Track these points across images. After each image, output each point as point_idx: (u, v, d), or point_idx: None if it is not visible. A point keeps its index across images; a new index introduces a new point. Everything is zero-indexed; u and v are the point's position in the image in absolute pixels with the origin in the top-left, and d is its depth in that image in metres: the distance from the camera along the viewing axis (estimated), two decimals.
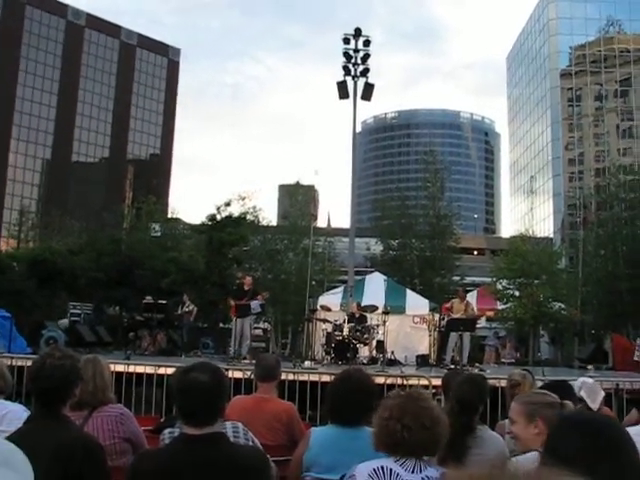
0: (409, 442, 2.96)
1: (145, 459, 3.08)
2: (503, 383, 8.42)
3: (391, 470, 2.92)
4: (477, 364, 19.35)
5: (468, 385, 4.42)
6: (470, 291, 29.99)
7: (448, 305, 18.20)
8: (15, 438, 3.10)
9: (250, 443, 3.93)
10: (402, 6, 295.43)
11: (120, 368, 10.97)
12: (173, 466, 2.85)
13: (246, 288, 16.73)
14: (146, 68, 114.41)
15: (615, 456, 2.07)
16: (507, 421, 4.81)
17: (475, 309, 17.95)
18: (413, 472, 2.92)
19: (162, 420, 5.55)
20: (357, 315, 17.64)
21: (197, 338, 23.85)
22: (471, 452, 3.99)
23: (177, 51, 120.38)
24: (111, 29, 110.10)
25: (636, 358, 18.61)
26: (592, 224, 34.61)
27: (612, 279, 30.89)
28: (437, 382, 9.74)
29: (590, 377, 9.48)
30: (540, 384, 5.79)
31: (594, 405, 5.43)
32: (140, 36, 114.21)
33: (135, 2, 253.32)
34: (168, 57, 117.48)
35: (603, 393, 5.95)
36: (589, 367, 17.62)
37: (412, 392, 3.22)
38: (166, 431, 4.05)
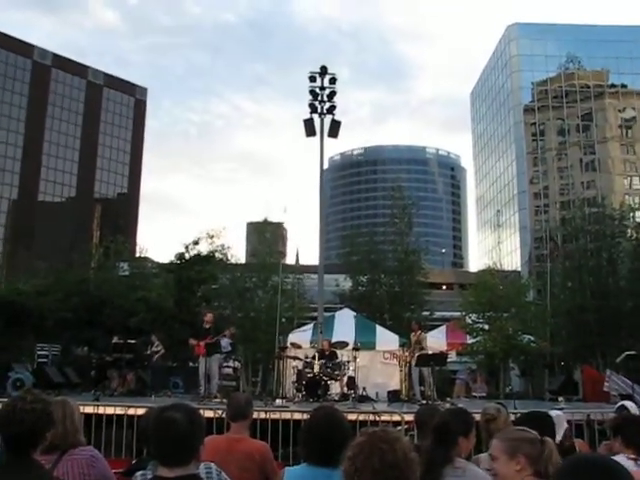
0: None
1: None
2: (476, 417, 8.46)
3: None
4: (448, 398, 19.38)
5: (450, 415, 4.43)
6: (439, 326, 30.13)
7: (405, 342, 18.32)
8: None
9: None
10: (368, 44, 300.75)
11: (89, 409, 10.82)
12: None
13: (207, 326, 16.57)
14: (113, 107, 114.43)
15: None
16: (485, 455, 4.83)
17: (426, 345, 17.96)
18: None
19: (133, 462, 5.47)
20: (327, 352, 17.60)
21: (167, 378, 23.59)
22: None
23: (144, 90, 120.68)
24: (77, 69, 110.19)
25: (606, 389, 18.76)
26: (559, 256, 34.99)
27: (580, 311, 31.15)
28: (409, 418, 9.73)
29: (561, 409, 9.56)
30: (514, 417, 5.82)
31: (558, 437, 5.45)
32: (107, 75, 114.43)
33: (101, 42, 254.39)
34: (135, 96, 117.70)
35: (567, 425, 6.01)
36: (560, 399, 17.73)
37: (378, 431, 3.20)
38: (138, 474, 3.99)
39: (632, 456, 4.53)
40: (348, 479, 3.07)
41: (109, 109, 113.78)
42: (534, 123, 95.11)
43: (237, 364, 27.02)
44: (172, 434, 2.90)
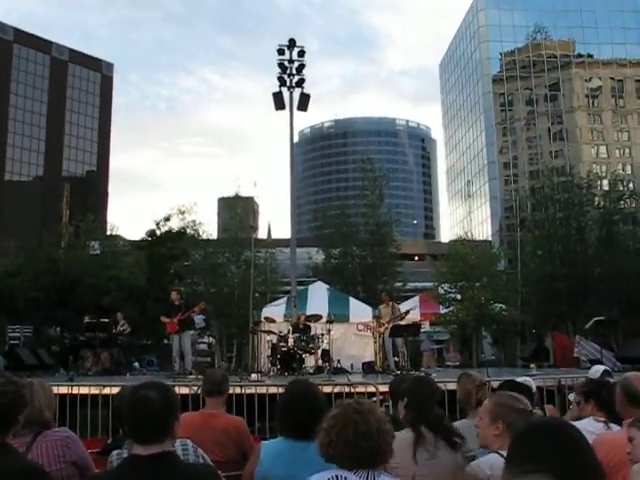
0: (354, 454, 2.99)
1: None
2: (450, 386, 8.55)
3: (345, 479, 2.94)
4: (422, 368, 19.56)
5: (418, 385, 4.49)
6: (412, 296, 30.31)
7: (375, 313, 18.37)
8: None
9: (200, 460, 3.90)
10: (337, 15, 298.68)
11: (63, 390, 10.75)
12: None
13: (177, 303, 16.47)
14: (79, 84, 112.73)
15: (576, 456, 2.17)
16: (460, 423, 4.89)
17: (401, 309, 18.05)
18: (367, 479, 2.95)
19: (109, 441, 5.46)
20: (301, 325, 17.66)
21: (141, 356, 23.58)
22: (422, 457, 4.02)
23: (110, 66, 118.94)
24: (41, 44, 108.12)
25: (576, 354, 19.02)
26: (528, 225, 35.30)
27: (550, 279, 31.52)
28: (384, 388, 9.80)
29: (532, 376, 9.69)
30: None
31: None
32: (72, 51, 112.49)
33: (65, 16, 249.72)
34: (101, 72, 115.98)
35: (536, 392, 6.13)
36: (531, 366, 17.94)
37: (352, 403, 3.24)
38: (114, 452, 3.99)
39: (602, 419, 4.62)
40: (323, 450, 3.12)
41: (75, 85, 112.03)
42: (502, 93, 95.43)
43: (211, 340, 27.11)
44: (146, 412, 2.89)
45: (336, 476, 2.97)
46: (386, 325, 16.93)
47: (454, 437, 4.10)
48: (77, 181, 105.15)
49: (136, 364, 21.37)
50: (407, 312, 17.91)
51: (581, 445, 2.25)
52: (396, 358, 16.90)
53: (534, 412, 3.80)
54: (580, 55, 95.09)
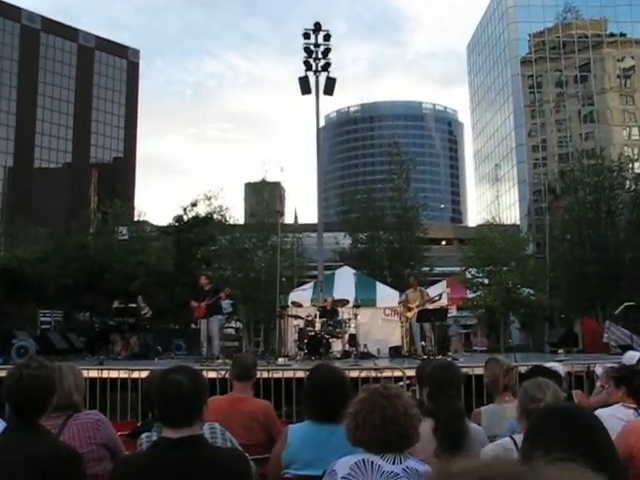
0: (380, 438, 3.00)
1: (125, 465, 3.08)
2: (477, 371, 8.53)
3: (372, 462, 2.96)
4: (449, 353, 19.53)
5: (438, 375, 4.46)
6: (439, 281, 30.24)
7: (402, 298, 18.32)
8: None
9: (228, 444, 3.93)
10: None
11: (94, 374, 10.89)
12: (153, 471, 2.85)
13: (206, 288, 16.52)
14: (105, 71, 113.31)
15: (592, 441, 2.15)
16: (487, 408, 4.88)
17: (430, 294, 18.03)
18: (394, 463, 2.97)
19: (139, 424, 5.52)
20: (328, 309, 17.68)
21: (170, 340, 23.75)
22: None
23: (136, 52, 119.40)
24: (68, 32, 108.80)
25: (605, 340, 18.86)
26: (561, 208, 34.91)
27: (579, 263, 31.24)
28: (411, 373, 9.79)
29: (561, 361, 9.63)
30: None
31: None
32: (98, 38, 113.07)
33: (90, 3, 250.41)
34: (127, 59, 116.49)
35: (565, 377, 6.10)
36: (560, 351, 17.84)
37: (379, 387, 3.25)
38: (143, 435, 4.04)
39: (633, 405, 4.58)
40: (350, 434, 3.14)
41: (102, 72, 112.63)
42: (531, 75, 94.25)
43: (239, 324, 27.25)
44: (175, 396, 2.94)
45: (363, 460, 2.98)
46: (415, 310, 16.91)
47: (462, 435, 4.03)
48: (105, 167, 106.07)
49: (158, 348, 21.49)
50: (439, 296, 17.92)
51: (597, 432, 2.23)
52: (423, 343, 16.89)
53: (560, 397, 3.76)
54: (612, 34, 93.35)
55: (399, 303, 18.97)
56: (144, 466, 2.92)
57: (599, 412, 4.19)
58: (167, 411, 2.98)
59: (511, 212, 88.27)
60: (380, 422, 3.01)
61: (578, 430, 2.17)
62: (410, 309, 17.16)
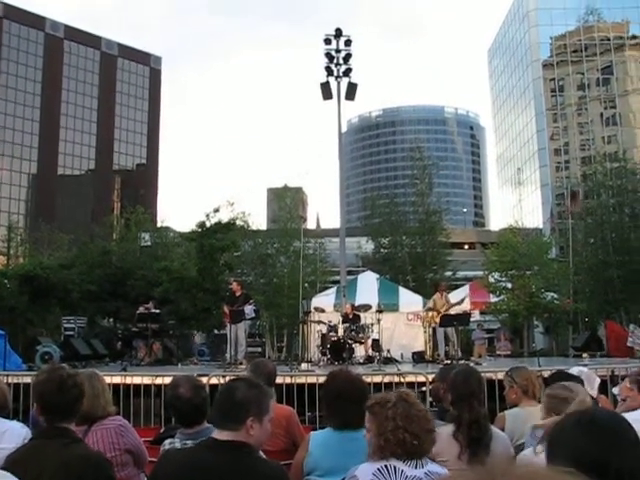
0: (397, 444, 3.01)
1: (167, 460, 3.21)
2: (500, 376, 8.47)
3: (395, 467, 2.96)
4: (472, 357, 19.44)
5: (460, 382, 4.42)
6: (462, 285, 30.11)
7: (430, 304, 18.24)
8: (24, 454, 3.13)
9: None
10: (385, 1, 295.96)
11: (117, 380, 10.94)
12: (193, 469, 2.95)
13: (237, 294, 16.65)
14: (128, 78, 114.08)
15: (622, 450, 2.04)
16: (513, 411, 4.86)
17: (451, 300, 17.98)
18: (416, 468, 2.97)
19: (162, 430, 5.55)
20: (351, 315, 17.66)
21: (192, 346, 23.86)
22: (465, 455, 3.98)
23: (159, 59, 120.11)
24: (91, 40, 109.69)
25: (629, 344, 18.68)
26: (579, 213, 34.67)
27: (603, 267, 31.00)
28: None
29: (585, 365, 9.55)
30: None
31: (593, 392, 5.49)
32: (120, 46, 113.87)
33: (113, 10, 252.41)
34: (150, 66, 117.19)
35: (599, 380, 6.03)
36: (584, 355, 17.69)
37: (397, 394, 3.25)
38: (166, 442, 4.06)
39: None
40: (369, 441, 3.16)
41: (124, 80, 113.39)
42: (553, 79, 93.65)
43: (262, 329, 27.27)
44: (232, 396, 3.08)
45: (386, 466, 2.98)
46: (447, 312, 16.92)
47: (487, 440, 4.00)
48: (127, 174, 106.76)
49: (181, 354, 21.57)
50: (462, 301, 17.87)
51: (630, 439, 2.15)
52: (447, 347, 16.83)
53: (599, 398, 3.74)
54: (635, 36, 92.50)
55: (426, 309, 18.87)
56: (185, 462, 3.02)
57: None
58: (215, 411, 3.14)
59: (534, 216, 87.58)
60: (395, 429, 3.02)
61: (603, 438, 2.09)
62: (438, 312, 17.16)
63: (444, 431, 3.32)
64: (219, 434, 3.02)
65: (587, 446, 2.00)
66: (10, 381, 10.01)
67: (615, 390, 6.37)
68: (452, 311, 17.13)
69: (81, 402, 3.49)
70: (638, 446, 2.07)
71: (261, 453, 3.96)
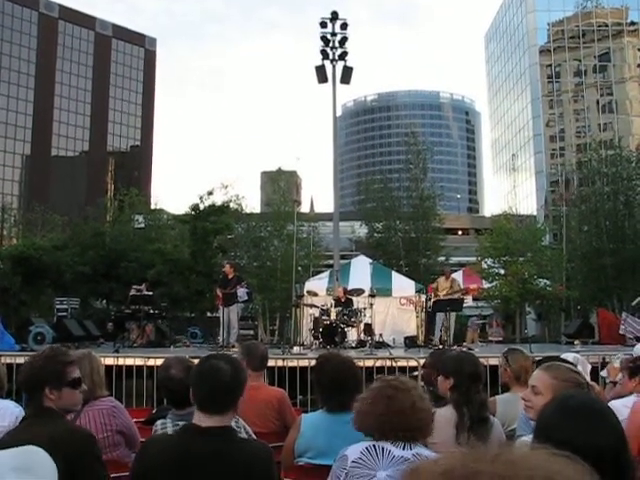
0: (385, 428, 3.02)
1: (152, 446, 3.11)
2: (492, 361, 8.52)
3: (383, 448, 2.98)
4: (464, 343, 19.50)
5: (464, 366, 4.42)
6: (455, 271, 30.15)
7: (434, 285, 18.34)
8: (13, 434, 3.13)
9: (242, 431, 3.94)
10: None
11: (110, 361, 10.95)
12: (178, 455, 2.89)
13: (230, 277, 16.64)
14: (122, 59, 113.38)
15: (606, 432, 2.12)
16: (504, 397, 4.88)
17: (461, 285, 18.14)
18: (404, 449, 2.98)
19: (154, 411, 5.56)
20: (344, 299, 17.68)
21: (185, 328, 23.87)
22: (463, 438, 3.99)
23: (153, 41, 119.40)
24: (85, 20, 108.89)
25: (621, 331, 18.77)
26: (570, 201, 34.68)
27: (596, 254, 31.06)
28: None
29: (577, 352, 9.59)
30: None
31: (587, 378, 5.51)
32: (115, 26, 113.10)
33: None
34: (144, 47, 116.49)
35: (590, 366, 6.06)
36: (576, 342, 17.78)
37: (391, 379, 3.27)
38: (158, 422, 4.06)
39: None
40: (355, 421, 3.18)
41: (119, 61, 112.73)
42: (550, 65, 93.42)
43: (254, 312, 27.31)
44: (216, 380, 2.96)
45: (374, 445, 3.00)
46: (441, 297, 16.99)
47: (487, 425, 4.02)
48: (121, 156, 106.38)
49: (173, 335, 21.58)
50: (465, 291, 17.96)
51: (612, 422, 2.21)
52: (440, 332, 16.90)
53: (592, 385, 3.74)
54: (633, 23, 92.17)
55: (431, 288, 18.88)
56: (170, 449, 2.95)
57: (613, 404, 4.18)
58: (203, 396, 2.99)
59: (528, 202, 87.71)
60: (385, 412, 3.03)
61: (589, 421, 2.15)
62: (437, 295, 17.29)
63: (438, 414, 3.32)
64: (205, 419, 2.93)
65: (573, 431, 2.06)
66: (3, 361, 10.00)
67: (603, 373, 6.41)
68: (442, 296, 17.20)
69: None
70: (618, 428, 2.19)
71: (253, 435, 3.99)
